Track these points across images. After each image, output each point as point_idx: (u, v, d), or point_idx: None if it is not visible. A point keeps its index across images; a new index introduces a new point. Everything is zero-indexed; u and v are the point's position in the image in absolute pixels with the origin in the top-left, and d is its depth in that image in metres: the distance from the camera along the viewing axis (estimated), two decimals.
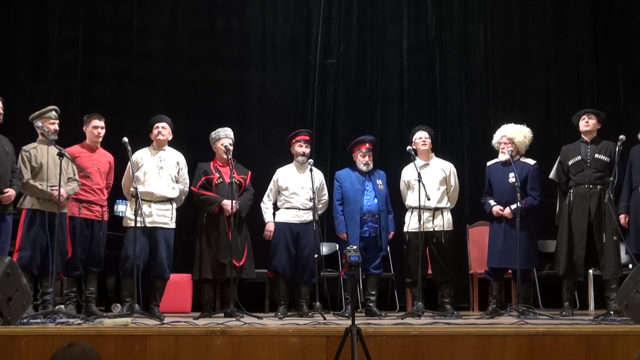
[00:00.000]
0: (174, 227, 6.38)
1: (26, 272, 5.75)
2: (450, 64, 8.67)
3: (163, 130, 6.44)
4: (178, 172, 6.48)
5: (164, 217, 6.30)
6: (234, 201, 6.26)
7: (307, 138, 6.85)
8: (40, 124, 5.95)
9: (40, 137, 5.99)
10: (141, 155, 6.35)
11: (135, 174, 6.24)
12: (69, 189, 5.94)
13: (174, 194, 6.41)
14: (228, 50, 8.58)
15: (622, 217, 6.21)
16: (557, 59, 8.68)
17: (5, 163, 5.74)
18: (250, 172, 6.73)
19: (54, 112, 6.08)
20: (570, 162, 6.52)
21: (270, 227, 6.70)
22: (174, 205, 6.41)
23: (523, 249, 6.32)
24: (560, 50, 8.69)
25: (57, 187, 5.74)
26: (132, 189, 6.09)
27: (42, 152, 5.93)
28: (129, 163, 6.33)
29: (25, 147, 5.99)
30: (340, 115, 8.51)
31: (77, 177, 6.06)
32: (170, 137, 6.51)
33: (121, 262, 6.26)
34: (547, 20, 8.78)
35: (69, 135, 6.30)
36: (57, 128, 6.06)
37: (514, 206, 6.33)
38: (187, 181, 6.57)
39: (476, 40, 8.73)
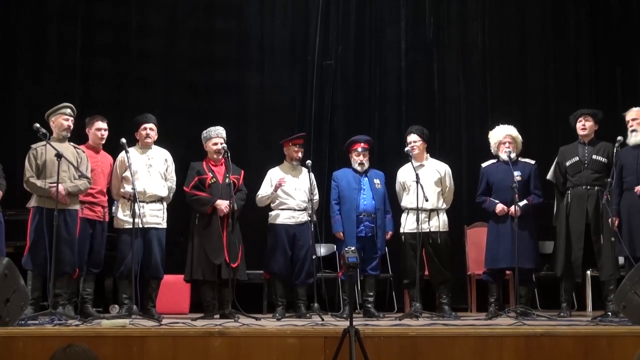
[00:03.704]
0: (166, 226, 6.38)
1: (35, 272, 5.81)
2: (448, 64, 8.67)
3: (151, 132, 6.41)
4: (166, 169, 6.47)
5: (156, 217, 6.30)
6: (230, 201, 6.25)
7: (302, 142, 6.87)
8: (51, 122, 5.94)
9: (54, 134, 5.97)
10: (127, 156, 6.20)
11: (124, 175, 6.24)
12: (71, 185, 5.82)
13: (165, 192, 6.40)
14: (226, 51, 8.59)
15: (611, 220, 6.12)
16: (555, 59, 8.68)
17: None
18: (242, 172, 6.69)
19: (68, 109, 6.07)
20: (567, 163, 6.53)
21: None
22: (165, 204, 6.40)
23: (529, 248, 6.40)
24: (559, 50, 8.69)
25: (60, 185, 5.71)
26: (130, 190, 6.07)
27: (48, 150, 5.92)
28: (116, 164, 6.34)
29: (33, 145, 5.98)
30: (338, 116, 8.51)
31: (88, 174, 6.00)
32: (156, 137, 6.49)
33: (116, 264, 6.26)
34: (545, 21, 8.79)
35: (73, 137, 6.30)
36: (71, 125, 6.03)
37: (522, 203, 6.34)
38: (174, 178, 6.54)
39: (474, 41, 8.73)
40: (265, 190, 6.73)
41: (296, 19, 8.66)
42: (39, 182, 5.82)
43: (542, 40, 8.74)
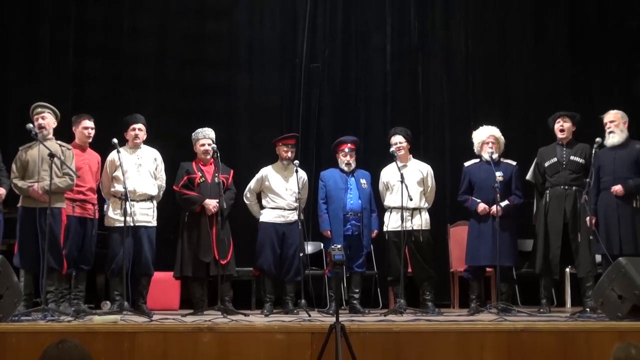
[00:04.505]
0: (156, 224, 6.36)
1: (25, 270, 5.79)
2: (432, 69, 8.69)
3: (139, 132, 6.40)
4: (156, 168, 6.45)
5: (146, 215, 6.28)
6: (218, 200, 6.24)
7: (294, 142, 6.85)
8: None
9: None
10: (118, 155, 6.21)
11: (114, 174, 6.23)
12: (45, 182, 5.70)
13: (155, 190, 6.39)
14: (217, 53, 8.56)
15: (588, 219, 6.16)
16: (535, 64, 8.72)
17: None
18: (232, 171, 6.70)
19: (38, 108, 6.02)
20: (546, 164, 6.56)
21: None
22: (155, 203, 6.39)
23: (510, 247, 6.44)
24: (538, 56, 8.73)
25: (36, 183, 5.72)
26: (121, 189, 6.06)
27: (32, 151, 5.88)
28: (106, 163, 6.31)
29: (20, 147, 5.97)
30: (325, 118, 8.51)
31: (69, 171, 5.91)
32: (145, 137, 6.47)
33: (108, 262, 6.24)
34: (526, 28, 8.83)
35: (62, 136, 6.25)
36: (43, 122, 5.94)
37: (503, 203, 6.36)
38: (164, 177, 6.53)
39: (457, 47, 8.75)
40: (251, 202, 6.79)
41: (285, 23, 8.65)
42: (20, 183, 5.81)
43: (522, 46, 8.78)
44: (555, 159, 6.53)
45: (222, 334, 4.51)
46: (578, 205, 6.33)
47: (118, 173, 6.19)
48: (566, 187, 6.43)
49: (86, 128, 6.28)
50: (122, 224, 6.03)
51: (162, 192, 6.51)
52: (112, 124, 6.79)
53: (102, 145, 6.42)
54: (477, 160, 6.73)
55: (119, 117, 6.65)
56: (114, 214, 6.24)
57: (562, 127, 6.55)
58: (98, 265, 6.52)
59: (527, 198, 6.75)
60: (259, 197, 6.85)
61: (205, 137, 6.53)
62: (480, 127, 6.75)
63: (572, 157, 6.47)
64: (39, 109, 6.02)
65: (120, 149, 6.20)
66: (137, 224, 6.14)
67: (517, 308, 6.36)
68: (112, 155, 6.26)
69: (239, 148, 8.19)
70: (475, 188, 6.65)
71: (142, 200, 6.26)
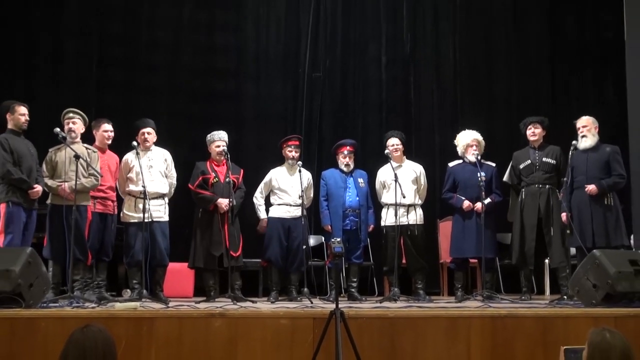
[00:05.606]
0: (168, 219, 6.40)
1: (53, 261, 5.86)
2: (423, 77, 8.72)
3: (148, 136, 6.42)
4: (166, 168, 6.49)
5: (158, 211, 6.30)
6: (230, 198, 6.29)
7: (297, 143, 6.88)
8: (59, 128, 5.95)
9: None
10: (131, 157, 6.30)
11: (128, 175, 6.28)
12: (73, 182, 5.74)
13: (166, 189, 6.43)
14: (225, 63, 8.58)
15: (563, 215, 6.21)
16: (518, 72, 8.75)
17: (31, 163, 5.78)
18: (242, 171, 6.74)
19: (69, 114, 6.09)
20: (521, 166, 6.62)
21: (264, 223, 6.74)
22: (166, 200, 6.43)
23: (491, 240, 6.50)
24: (521, 65, 8.76)
25: (65, 183, 5.79)
26: (135, 188, 6.16)
27: (60, 152, 5.95)
28: (121, 164, 6.36)
29: (50, 149, 6.03)
30: (326, 123, 8.53)
31: (95, 172, 5.97)
32: (155, 139, 6.50)
33: (125, 254, 6.29)
34: (509, 38, 8.86)
35: (85, 139, 6.28)
36: (74, 127, 6.03)
37: (486, 201, 6.41)
38: (175, 175, 6.57)
39: (446, 56, 8.78)
40: (259, 204, 6.81)
41: (289, 35, 8.67)
42: (49, 182, 5.87)
43: (506, 55, 8.81)
44: (529, 161, 6.58)
45: (232, 319, 4.54)
46: (551, 202, 6.39)
47: (132, 174, 6.26)
48: (540, 185, 6.49)
49: (106, 131, 6.34)
50: (137, 220, 6.11)
51: (173, 189, 6.55)
52: (130, 128, 6.83)
53: (121, 147, 6.46)
54: (461, 161, 6.77)
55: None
56: (129, 211, 6.29)
57: (534, 132, 6.62)
58: (119, 257, 6.56)
59: (503, 196, 6.80)
60: (267, 197, 6.88)
61: (220, 139, 6.57)
62: (463, 132, 6.80)
63: (544, 159, 6.53)
64: (71, 114, 6.09)
65: (133, 152, 6.24)
66: (151, 220, 6.17)
67: (501, 296, 6.38)
68: (127, 157, 6.32)
69: (245, 151, 8.20)
70: (459, 187, 6.70)
71: (153, 198, 6.28)
